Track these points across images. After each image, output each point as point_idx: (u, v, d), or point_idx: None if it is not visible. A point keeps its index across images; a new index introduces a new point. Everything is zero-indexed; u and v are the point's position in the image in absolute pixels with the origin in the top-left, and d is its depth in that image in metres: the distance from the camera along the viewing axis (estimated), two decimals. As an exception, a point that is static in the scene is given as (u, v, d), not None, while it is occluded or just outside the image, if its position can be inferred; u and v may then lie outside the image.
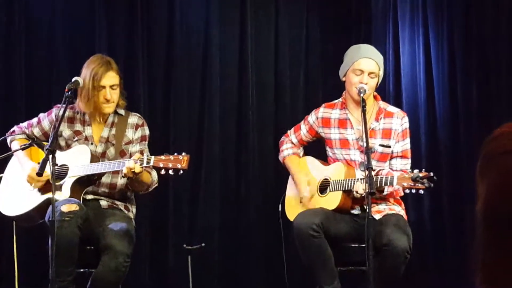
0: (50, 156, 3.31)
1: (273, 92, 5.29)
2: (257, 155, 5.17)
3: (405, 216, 3.89)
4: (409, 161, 3.92)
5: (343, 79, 3.96)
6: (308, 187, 3.95)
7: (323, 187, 3.93)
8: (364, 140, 3.60)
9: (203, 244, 4.49)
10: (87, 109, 3.78)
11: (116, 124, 3.88)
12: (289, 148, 4.15)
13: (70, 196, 3.62)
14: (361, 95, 3.74)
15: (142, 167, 3.54)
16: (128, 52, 5.07)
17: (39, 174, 3.38)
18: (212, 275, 5.05)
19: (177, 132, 5.12)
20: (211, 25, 5.20)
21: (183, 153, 3.54)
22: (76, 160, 3.72)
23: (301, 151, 4.18)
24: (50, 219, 3.34)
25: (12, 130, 3.94)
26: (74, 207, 3.50)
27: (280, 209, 4.09)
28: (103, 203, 3.83)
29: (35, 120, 3.93)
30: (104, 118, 3.86)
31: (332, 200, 3.85)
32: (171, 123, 5.11)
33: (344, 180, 3.80)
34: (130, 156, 3.73)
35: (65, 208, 3.48)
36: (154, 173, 3.79)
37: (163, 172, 3.54)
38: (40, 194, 3.72)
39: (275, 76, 5.29)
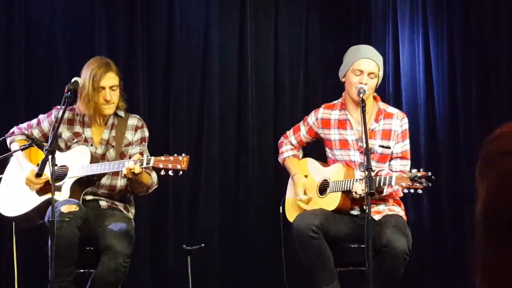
0: (50, 157, 3.31)
1: (273, 92, 5.29)
2: (256, 155, 5.17)
3: (404, 217, 3.89)
4: (409, 162, 3.91)
5: (343, 79, 3.95)
6: (303, 189, 3.95)
7: (323, 188, 3.93)
8: (364, 140, 3.60)
9: (202, 245, 4.49)
10: (88, 110, 3.77)
11: (116, 126, 3.88)
12: (288, 150, 4.15)
13: (70, 197, 3.62)
14: (361, 95, 3.74)
15: (142, 168, 3.54)
16: (128, 52, 5.07)
17: (39, 174, 3.38)
18: (212, 276, 5.04)
19: (177, 132, 5.12)
20: (211, 25, 5.21)
21: (183, 154, 3.54)
22: (76, 161, 3.72)
23: (300, 152, 4.18)
24: (49, 219, 3.34)
25: (11, 131, 3.94)
26: (73, 208, 3.50)
27: (280, 211, 4.09)
28: (103, 203, 3.83)
29: (34, 121, 3.93)
30: (104, 120, 3.86)
31: (331, 201, 3.85)
32: (171, 123, 5.11)
33: (343, 181, 3.80)
34: (130, 158, 3.73)
35: (64, 209, 3.47)
36: (154, 175, 3.79)
37: (162, 172, 3.54)
38: (39, 195, 3.72)
39: (275, 76, 5.30)
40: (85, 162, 3.69)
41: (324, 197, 3.90)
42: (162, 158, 3.52)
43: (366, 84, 3.81)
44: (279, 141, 4.22)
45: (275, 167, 4.77)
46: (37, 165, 3.45)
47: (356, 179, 3.75)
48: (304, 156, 4.18)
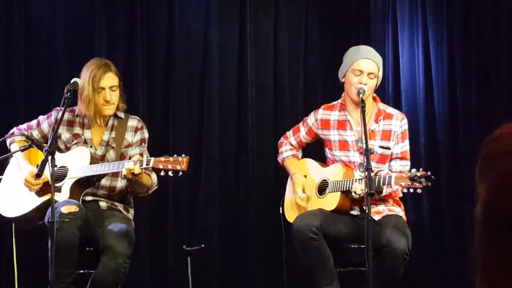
0: (50, 158, 3.31)
1: (272, 93, 5.29)
2: (256, 155, 5.18)
3: (404, 217, 3.89)
4: (408, 162, 3.91)
5: (342, 80, 3.95)
6: (302, 187, 3.95)
7: (322, 188, 3.93)
8: (364, 141, 3.59)
9: (202, 245, 4.49)
10: (88, 111, 3.77)
11: (116, 127, 3.88)
12: (288, 150, 4.15)
13: (70, 198, 3.62)
14: (360, 95, 3.74)
15: (142, 169, 3.54)
16: (127, 52, 5.08)
17: (39, 175, 3.38)
18: (212, 276, 5.05)
19: (177, 132, 5.12)
20: (211, 25, 5.21)
21: (183, 155, 3.53)
22: (76, 162, 3.71)
23: (300, 152, 4.18)
24: (49, 220, 3.33)
25: (11, 131, 3.94)
26: (73, 208, 3.50)
27: (280, 211, 4.09)
28: (103, 204, 3.83)
29: (34, 122, 3.93)
30: (105, 121, 3.86)
31: (331, 201, 3.85)
32: (171, 123, 5.11)
33: (342, 181, 3.80)
34: (130, 159, 3.73)
35: (64, 210, 3.47)
36: (154, 176, 3.79)
37: (162, 173, 3.54)
38: (39, 196, 3.72)
39: (274, 77, 5.30)
40: (85, 163, 3.69)
41: (323, 197, 3.90)
42: (162, 158, 3.52)
43: (365, 84, 3.81)
44: (279, 142, 4.22)
45: (275, 167, 4.77)
46: (37, 166, 3.44)
47: (356, 179, 3.75)
48: (304, 156, 4.18)
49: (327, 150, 4.01)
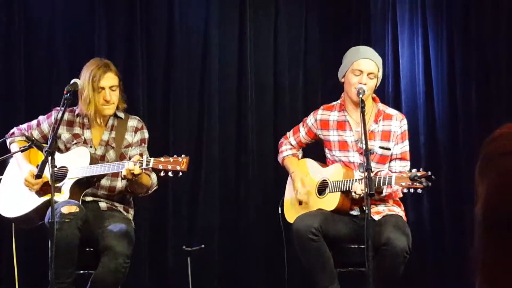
0: (49, 158, 3.31)
1: (272, 93, 5.29)
2: (256, 155, 5.18)
3: (404, 218, 3.89)
4: (408, 163, 3.91)
5: (342, 80, 3.95)
6: (302, 182, 3.95)
7: (322, 188, 3.93)
8: (363, 141, 3.59)
9: (202, 246, 4.49)
10: (88, 111, 3.77)
11: (116, 127, 3.88)
12: (288, 149, 4.15)
13: (69, 198, 3.62)
14: (360, 96, 3.73)
15: (142, 169, 3.54)
16: (127, 52, 5.08)
17: (38, 176, 3.37)
18: (212, 276, 5.05)
19: (177, 132, 5.12)
20: (211, 26, 5.21)
21: (183, 155, 3.53)
22: (76, 162, 3.72)
23: (300, 152, 4.18)
24: (49, 221, 3.33)
25: (11, 132, 3.94)
26: (74, 209, 3.50)
27: (280, 211, 4.09)
28: (102, 205, 3.83)
29: (34, 122, 3.94)
30: (105, 121, 3.86)
31: (330, 201, 3.85)
32: (171, 123, 5.11)
33: (342, 181, 3.80)
34: (130, 159, 3.73)
35: (65, 210, 3.47)
36: (153, 176, 3.79)
37: (162, 174, 3.54)
38: (39, 196, 3.72)
39: (274, 77, 5.30)
40: (85, 163, 3.69)
41: (323, 197, 3.90)
42: (162, 159, 3.52)
43: (365, 84, 3.81)
44: (279, 142, 4.23)
45: (275, 167, 4.77)
46: (37, 166, 3.44)
47: (356, 179, 3.74)
48: (304, 156, 4.18)
49: (326, 150, 4.01)
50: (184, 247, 4.44)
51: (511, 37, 4.98)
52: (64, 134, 3.84)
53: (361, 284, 3.57)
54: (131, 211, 3.94)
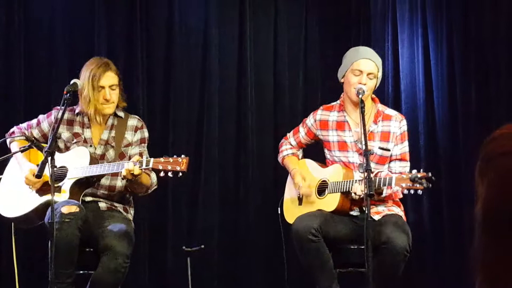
0: (49, 158, 3.31)
1: (272, 93, 5.29)
2: (256, 156, 5.17)
3: (404, 218, 3.89)
4: (408, 163, 3.91)
5: (342, 80, 3.95)
6: (302, 177, 3.95)
7: (322, 189, 3.93)
8: (363, 141, 3.59)
9: (202, 246, 4.49)
10: (89, 110, 3.78)
11: (116, 126, 3.88)
12: (288, 149, 4.16)
13: (69, 198, 3.62)
14: (360, 96, 3.73)
15: (141, 169, 3.54)
16: (127, 52, 5.08)
17: (38, 176, 3.38)
18: (211, 276, 5.05)
19: (176, 132, 5.12)
20: (210, 25, 5.21)
21: (182, 155, 3.53)
22: (75, 162, 3.72)
23: (300, 152, 4.18)
24: (49, 221, 3.33)
25: (11, 131, 3.94)
26: (74, 209, 3.50)
27: (279, 212, 4.09)
28: (102, 205, 3.83)
29: (34, 121, 3.94)
30: (104, 120, 3.86)
31: (330, 202, 3.85)
32: (170, 123, 5.11)
33: (342, 181, 3.80)
34: (129, 159, 3.73)
35: (65, 210, 3.47)
36: (153, 175, 3.79)
37: (162, 174, 3.54)
38: (39, 196, 3.71)
39: (274, 77, 5.30)
40: (85, 163, 3.69)
41: (323, 198, 3.90)
42: (162, 159, 3.52)
43: (365, 84, 3.81)
44: (280, 143, 4.23)
45: (275, 168, 4.77)
46: (37, 165, 3.44)
47: (355, 180, 3.74)
48: (304, 157, 4.18)
49: (326, 151, 4.01)
50: (183, 247, 4.44)
51: (510, 38, 4.97)
52: (64, 133, 3.84)
53: (361, 285, 3.57)
54: (131, 211, 3.94)
